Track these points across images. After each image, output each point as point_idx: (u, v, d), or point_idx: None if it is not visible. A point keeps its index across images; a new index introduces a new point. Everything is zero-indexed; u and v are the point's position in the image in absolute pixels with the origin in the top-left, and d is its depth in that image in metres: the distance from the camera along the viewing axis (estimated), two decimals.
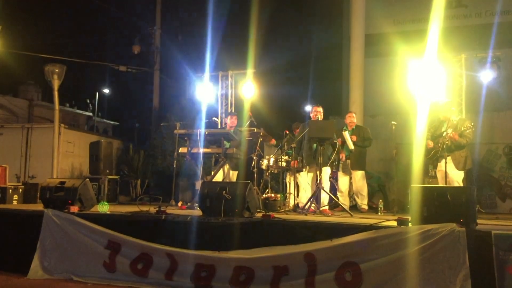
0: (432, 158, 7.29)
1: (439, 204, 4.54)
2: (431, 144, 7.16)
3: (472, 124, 6.96)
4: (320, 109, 7.71)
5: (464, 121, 7.15)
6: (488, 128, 9.94)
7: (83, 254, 5.59)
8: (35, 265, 5.70)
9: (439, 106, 7.46)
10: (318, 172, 7.05)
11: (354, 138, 8.09)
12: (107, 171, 9.86)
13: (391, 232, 4.51)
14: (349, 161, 8.16)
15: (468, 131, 6.95)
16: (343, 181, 8.18)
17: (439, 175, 7.09)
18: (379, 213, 7.21)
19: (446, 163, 6.75)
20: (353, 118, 8.34)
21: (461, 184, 6.89)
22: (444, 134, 6.93)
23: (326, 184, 7.28)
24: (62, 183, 6.20)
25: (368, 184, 8.74)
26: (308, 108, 14.86)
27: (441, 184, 6.89)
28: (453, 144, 6.95)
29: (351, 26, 11.64)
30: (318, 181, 6.95)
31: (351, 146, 7.99)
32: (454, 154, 7.04)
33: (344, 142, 8.06)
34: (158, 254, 5.25)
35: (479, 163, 10.09)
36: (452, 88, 8.87)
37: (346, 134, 8.01)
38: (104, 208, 5.56)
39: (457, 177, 6.96)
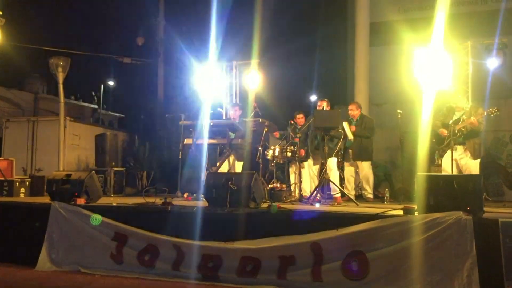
0: (448, 147, 7.13)
1: (446, 192, 4.53)
2: (445, 132, 7.04)
3: (495, 108, 6.76)
4: (325, 103, 7.71)
5: (477, 108, 7.06)
6: (495, 116, 9.84)
7: (90, 246, 5.62)
8: (42, 257, 5.73)
9: (448, 94, 7.36)
10: (323, 162, 7.04)
11: (353, 128, 8.02)
12: (113, 163, 9.89)
13: (398, 221, 4.50)
14: (350, 151, 8.12)
15: (490, 115, 6.83)
16: (348, 171, 8.16)
17: (449, 165, 6.95)
18: (385, 202, 7.20)
19: (462, 151, 6.64)
20: (353, 111, 8.21)
21: (477, 173, 6.76)
22: (461, 121, 6.82)
23: (335, 173, 7.28)
24: (68, 175, 6.22)
25: (374, 173, 8.71)
26: (313, 97, 14.83)
27: (450, 173, 6.81)
28: (470, 131, 6.84)
29: (355, 14, 11.56)
30: (324, 171, 6.94)
31: (351, 136, 7.92)
32: (470, 142, 6.94)
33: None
34: (165, 245, 5.27)
35: (487, 151, 10.05)
36: (458, 75, 8.80)
37: (345, 125, 7.95)
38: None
39: (473, 166, 6.84)
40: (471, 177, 5.22)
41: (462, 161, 6.78)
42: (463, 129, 6.73)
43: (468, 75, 8.94)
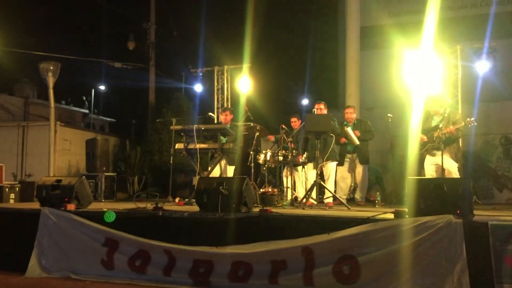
0: (427, 151, 7.21)
1: (436, 196, 4.54)
2: (424, 138, 7.11)
3: (473, 119, 6.84)
4: (322, 106, 7.73)
5: (456, 113, 7.14)
6: (485, 119, 9.94)
7: (80, 252, 5.57)
8: (32, 263, 5.66)
9: (429, 99, 7.42)
10: (322, 166, 7.07)
11: (358, 133, 8.04)
12: (104, 168, 9.85)
13: (388, 225, 4.51)
14: (354, 155, 8.14)
15: (467, 127, 6.91)
16: (342, 175, 8.15)
17: (432, 169, 7.03)
18: (377, 206, 7.21)
19: (442, 156, 6.71)
20: (352, 114, 8.28)
21: (458, 175, 6.87)
22: (440, 126, 6.89)
23: (331, 178, 7.30)
24: (59, 181, 6.17)
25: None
26: (304, 101, 14.88)
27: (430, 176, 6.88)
28: (448, 138, 6.92)
29: (346, 18, 11.60)
30: (317, 176, 6.94)
31: (357, 142, 7.94)
32: (450, 148, 7.02)
33: (347, 139, 8.02)
34: (156, 250, 5.23)
35: (476, 154, 10.11)
36: (448, 79, 8.87)
37: (349, 130, 7.95)
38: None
39: (454, 168, 6.93)
40: (460, 180, 5.26)
41: (445, 165, 6.83)
42: (441, 136, 6.79)
43: (457, 79, 9.02)
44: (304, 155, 7.60)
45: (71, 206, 5.89)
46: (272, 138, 8.61)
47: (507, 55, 10.79)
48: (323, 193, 7.46)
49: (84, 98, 23.65)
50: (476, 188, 9.34)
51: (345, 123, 8.20)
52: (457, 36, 10.94)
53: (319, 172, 7.03)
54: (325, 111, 7.79)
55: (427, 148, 7.06)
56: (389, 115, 7.92)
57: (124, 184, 12.34)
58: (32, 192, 8.10)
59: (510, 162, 10.13)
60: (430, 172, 7.05)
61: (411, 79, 7.78)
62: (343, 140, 7.99)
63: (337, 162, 7.84)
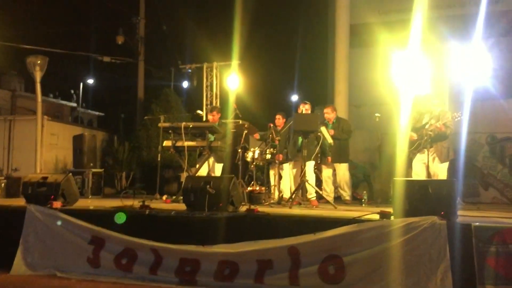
0: (416, 150, 7.26)
1: (421, 197, 4.60)
2: (414, 136, 7.15)
3: (460, 113, 6.91)
4: (308, 106, 7.72)
5: (446, 112, 7.18)
6: (472, 118, 10.00)
7: (66, 249, 5.55)
8: (18, 261, 5.63)
9: (419, 98, 7.45)
10: (302, 165, 7.06)
11: (332, 132, 8.04)
12: (91, 164, 9.80)
13: (374, 226, 4.55)
14: (329, 154, 8.13)
15: (453, 121, 6.95)
16: (326, 173, 8.17)
17: (419, 167, 7.06)
18: (363, 205, 7.25)
19: (428, 155, 6.77)
20: (329, 114, 8.19)
21: (445, 176, 6.91)
22: (428, 125, 6.94)
23: (311, 177, 7.30)
24: (45, 178, 6.12)
25: (353, 175, 8.77)
26: (294, 98, 14.90)
27: (421, 176, 6.92)
28: (436, 136, 6.96)
29: (336, 16, 11.61)
30: (302, 174, 6.96)
31: (330, 141, 7.94)
32: (437, 145, 7.05)
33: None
34: (143, 249, 5.23)
35: (463, 152, 10.20)
36: (435, 79, 8.91)
37: (323, 129, 7.96)
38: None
39: (440, 170, 6.96)
40: (445, 182, 5.31)
41: (430, 166, 6.88)
42: (430, 132, 6.83)
43: (446, 78, 9.07)
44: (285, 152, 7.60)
45: (57, 204, 5.85)
46: (257, 136, 8.56)
47: (495, 55, 10.87)
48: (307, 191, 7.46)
49: (73, 91, 23.47)
50: (462, 186, 9.41)
51: (325, 122, 8.18)
52: (446, 35, 10.99)
53: (303, 171, 7.03)
54: (309, 112, 7.78)
55: (416, 146, 7.09)
56: (376, 114, 7.93)
57: (112, 179, 12.28)
58: (19, 188, 8.02)
59: (496, 161, 10.25)
60: (417, 170, 7.07)
61: (399, 79, 7.82)
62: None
63: (314, 162, 7.79)
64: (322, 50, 13.63)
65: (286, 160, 7.57)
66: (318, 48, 14.10)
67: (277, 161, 7.58)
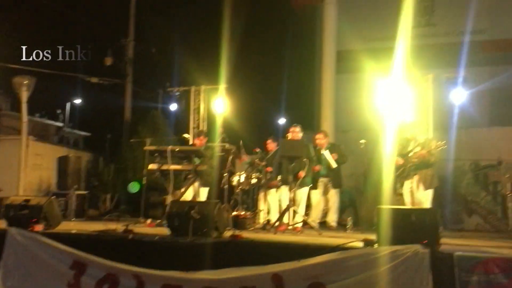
0: (401, 176, 7.30)
1: (404, 225, 4.63)
2: (400, 161, 7.19)
3: (444, 142, 6.99)
4: (297, 129, 7.75)
5: (431, 140, 7.26)
6: (456, 145, 10.13)
7: (46, 274, 5.46)
8: None
9: (405, 125, 7.54)
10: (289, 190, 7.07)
11: (335, 156, 7.99)
12: (75, 186, 9.71)
13: (358, 254, 4.56)
14: (327, 179, 8.08)
15: (436, 150, 7.03)
16: (316, 199, 8.11)
17: (406, 194, 7.11)
18: (348, 231, 7.25)
19: (412, 182, 6.82)
20: (321, 140, 8.17)
21: (428, 204, 6.94)
22: (412, 153, 7.00)
23: (302, 204, 7.32)
24: (27, 200, 6.06)
25: (340, 199, 8.76)
26: (281, 121, 14.98)
27: (407, 202, 6.96)
28: (421, 163, 7.02)
29: (322, 42, 11.77)
30: (290, 201, 6.94)
31: (335, 165, 7.93)
32: (422, 172, 7.10)
33: (321, 164, 8.00)
34: (125, 274, 5.16)
35: (447, 179, 10.28)
36: (419, 106, 9.04)
37: (327, 153, 7.95)
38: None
39: (424, 197, 6.97)
40: (427, 210, 5.34)
41: (414, 193, 6.93)
42: (414, 160, 6.89)
43: (429, 106, 9.20)
44: (278, 178, 7.59)
45: (39, 227, 5.79)
46: (245, 159, 8.52)
47: (477, 83, 11.09)
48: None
49: (59, 111, 23.33)
50: (445, 214, 9.47)
51: (317, 148, 8.20)
52: (430, 64, 11.19)
53: (292, 196, 7.03)
54: (300, 134, 7.81)
55: (401, 172, 7.13)
56: (361, 141, 7.99)
57: (96, 201, 12.14)
58: (0, 209, 7.91)
59: (479, 188, 10.33)
60: (406, 197, 7.12)
61: (383, 106, 7.92)
62: (317, 168, 7.93)
63: (309, 187, 7.78)
64: (309, 75, 13.77)
65: (281, 184, 7.55)
66: (305, 73, 14.25)
67: (263, 183, 7.55)
